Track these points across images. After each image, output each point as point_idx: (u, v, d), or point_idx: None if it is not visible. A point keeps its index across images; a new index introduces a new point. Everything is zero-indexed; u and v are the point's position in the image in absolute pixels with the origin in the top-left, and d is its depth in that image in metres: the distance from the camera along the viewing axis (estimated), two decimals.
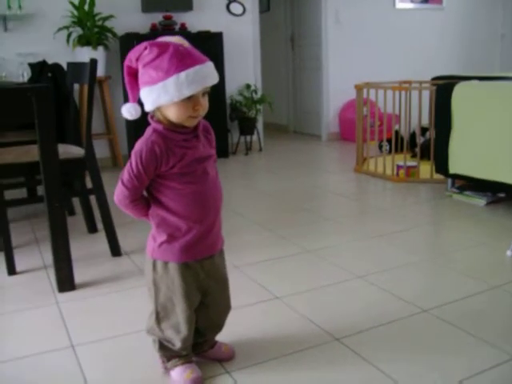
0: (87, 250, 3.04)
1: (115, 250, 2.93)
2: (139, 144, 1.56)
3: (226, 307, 1.83)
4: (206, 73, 1.51)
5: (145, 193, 1.65)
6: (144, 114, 1.63)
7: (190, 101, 1.51)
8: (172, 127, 1.56)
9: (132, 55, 1.53)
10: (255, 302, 2.33)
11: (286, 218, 3.56)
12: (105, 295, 2.45)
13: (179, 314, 1.68)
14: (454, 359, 1.84)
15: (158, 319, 1.71)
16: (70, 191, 3.51)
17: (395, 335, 2.02)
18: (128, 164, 1.57)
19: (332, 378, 1.76)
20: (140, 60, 1.51)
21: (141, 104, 1.58)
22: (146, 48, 1.50)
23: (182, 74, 1.46)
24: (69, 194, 3.54)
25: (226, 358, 1.87)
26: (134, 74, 1.57)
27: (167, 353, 1.75)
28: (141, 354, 1.92)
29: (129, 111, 1.60)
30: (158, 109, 1.55)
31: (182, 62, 1.47)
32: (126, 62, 1.56)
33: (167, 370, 1.78)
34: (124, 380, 1.79)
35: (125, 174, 1.58)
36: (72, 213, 3.72)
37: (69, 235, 2.50)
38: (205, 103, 1.56)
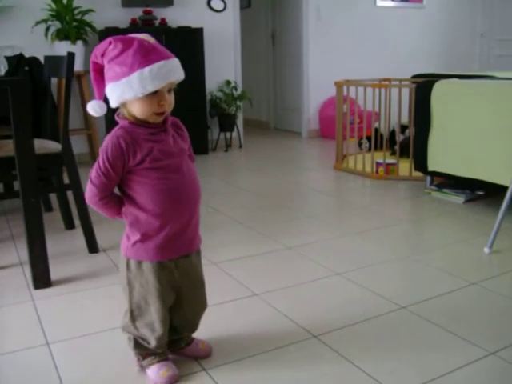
0: (64, 246, 3.00)
1: (92, 247, 2.89)
2: (106, 141, 1.54)
3: (201, 306, 1.82)
4: (171, 68, 1.50)
5: (117, 191, 1.63)
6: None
7: (155, 96, 1.50)
8: (138, 123, 1.54)
9: (97, 51, 1.52)
10: (233, 298, 2.31)
11: (266, 215, 3.55)
12: (81, 292, 2.42)
13: (153, 314, 1.66)
14: (431, 356, 1.84)
15: (133, 317, 1.69)
16: (47, 187, 3.47)
17: (373, 332, 2.01)
18: (96, 161, 1.55)
19: (310, 375, 1.75)
20: (105, 56, 1.50)
21: (107, 101, 1.56)
22: (110, 43, 1.48)
23: (146, 70, 1.45)
24: (46, 190, 3.50)
25: (203, 356, 1.85)
26: (99, 71, 1.55)
27: (142, 351, 1.74)
28: (117, 351, 1.89)
29: (93, 108, 1.58)
30: (124, 105, 1.53)
31: (146, 57, 1.46)
32: (92, 58, 1.54)
33: (143, 369, 1.76)
34: (100, 378, 1.76)
35: (93, 172, 1.55)
36: (49, 209, 3.68)
37: (45, 231, 2.47)
38: (170, 99, 1.54)
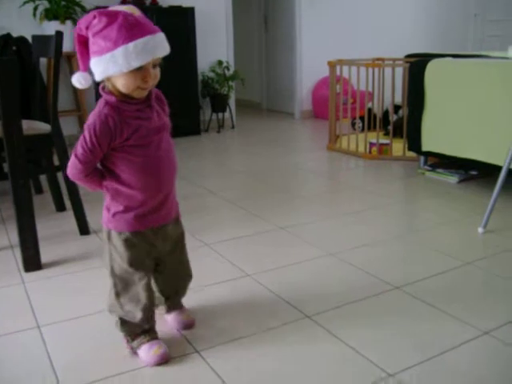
0: (55, 228, 2.97)
1: (84, 229, 2.87)
2: (92, 117, 1.53)
3: (184, 275, 1.88)
4: (156, 44, 1.48)
5: (99, 165, 1.63)
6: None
7: (140, 72, 1.49)
8: (123, 98, 1.54)
9: (81, 24, 1.49)
10: (226, 279, 2.29)
11: (258, 196, 3.53)
12: (72, 274, 2.39)
13: (137, 283, 1.68)
14: (425, 335, 1.84)
15: (117, 292, 1.70)
16: (37, 168, 3.42)
17: (367, 312, 2.00)
18: (81, 137, 1.53)
19: (303, 355, 1.74)
20: (89, 29, 1.47)
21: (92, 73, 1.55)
22: (95, 17, 1.46)
23: (131, 45, 1.43)
24: (36, 172, 3.46)
25: (184, 327, 1.88)
26: (83, 43, 1.52)
27: (130, 330, 1.74)
28: (108, 333, 1.87)
29: (78, 80, 1.56)
30: (108, 79, 1.52)
31: (130, 32, 1.43)
32: (77, 31, 1.51)
33: (134, 350, 1.75)
34: (91, 360, 1.75)
35: (78, 148, 1.55)
36: (40, 191, 3.64)
37: (36, 214, 2.44)
38: (155, 74, 1.53)
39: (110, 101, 1.53)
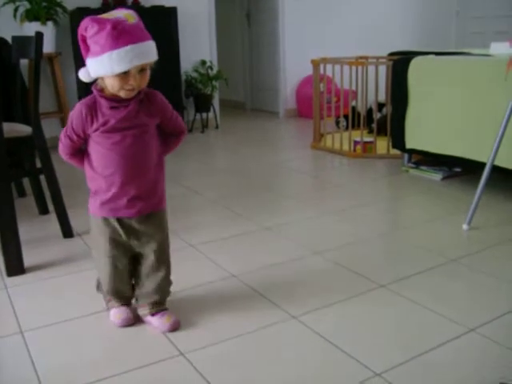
0: (38, 232, 2.94)
1: (67, 232, 2.84)
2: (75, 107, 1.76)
3: (157, 270, 1.90)
4: (139, 53, 1.62)
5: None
6: None
7: (125, 76, 1.65)
8: (110, 96, 1.71)
9: (82, 26, 1.66)
10: (211, 280, 2.28)
11: (243, 196, 3.52)
12: (55, 278, 2.37)
13: (102, 268, 1.89)
14: (411, 334, 1.84)
15: (96, 265, 1.97)
16: (19, 171, 3.38)
17: (352, 311, 2.00)
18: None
19: (290, 356, 1.74)
20: (86, 32, 1.65)
21: None
22: (88, 24, 1.63)
23: (114, 53, 1.60)
24: (18, 175, 3.42)
25: (167, 329, 1.90)
26: (85, 41, 1.68)
27: (104, 293, 1.99)
28: (92, 338, 1.86)
29: (83, 75, 1.72)
30: (101, 78, 1.69)
31: (115, 41, 1.60)
32: (80, 31, 1.67)
33: (107, 309, 1.99)
34: (75, 365, 1.73)
35: (62, 132, 1.80)
36: (22, 194, 3.60)
37: (18, 217, 2.41)
38: (140, 78, 1.68)
39: (93, 95, 1.72)
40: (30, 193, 3.41)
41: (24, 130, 2.84)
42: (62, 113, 5.18)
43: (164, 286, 1.94)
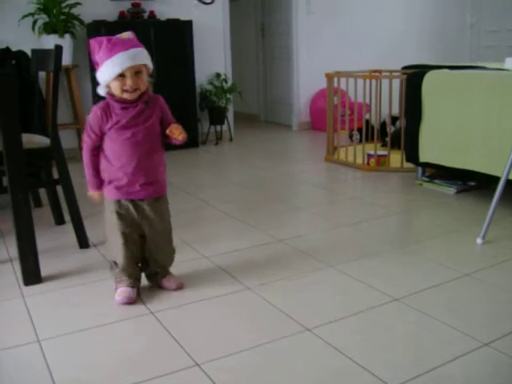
0: (54, 242, 2.97)
1: (83, 242, 2.87)
2: (92, 110, 2.14)
3: (164, 244, 2.30)
4: (128, 57, 2.00)
5: None
6: None
7: (123, 79, 2.03)
8: (117, 99, 2.09)
9: (90, 47, 2.08)
10: (225, 293, 2.29)
11: (257, 208, 3.54)
12: (72, 288, 2.39)
13: (116, 243, 2.20)
14: (425, 347, 1.84)
15: (108, 245, 2.31)
16: (36, 182, 3.42)
17: (367, 325, 2.00)
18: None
19: (304, 368, 1.74)
20: (93, 52, 2.06)
21: None
22: (92, 44, 2.06)
23: (109, 61, 2.00)
24: (35, 185, 3.46)
25: (174, 288, 2.30)
26: (96, 60, 2.08)
27: (116, 274, 2.26)
28: (108, 348, 1.88)
29: (100, 90, 2.11)
30: (108, 86, 2.07)
31: (109, 52, 2.00)
32: (91, 53, 2.09)
33: (115, 290, 2.23)
34: (91, 375, 1.74)
35: (85, 133, 2.14)
36: (39, 204, 3.64)
37: (35, 227, 2.44)
38: (137, 80, 2.05)
39: (106, 100, 2.10)
40: (45, 203, 3.45)
41: (42, 141, 2.88)
42: (78, 124, 5.24)
43: (169, 255, 2.35)
